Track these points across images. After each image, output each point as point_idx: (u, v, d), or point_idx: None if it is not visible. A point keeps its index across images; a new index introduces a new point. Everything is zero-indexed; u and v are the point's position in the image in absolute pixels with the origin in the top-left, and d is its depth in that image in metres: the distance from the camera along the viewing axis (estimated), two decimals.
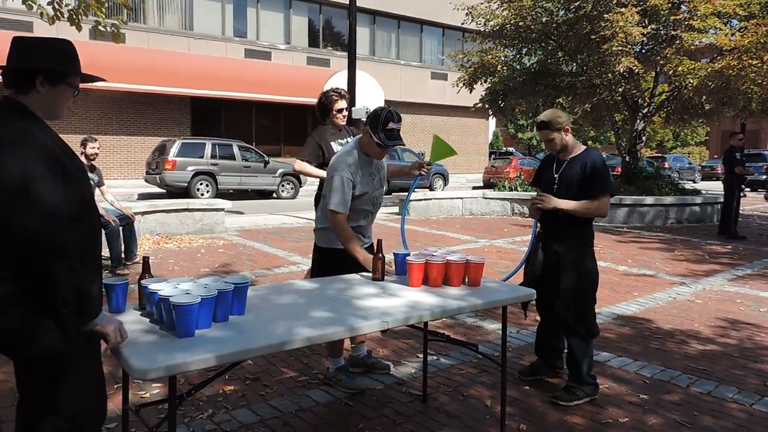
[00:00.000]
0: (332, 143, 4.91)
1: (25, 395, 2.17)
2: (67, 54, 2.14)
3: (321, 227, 3.81)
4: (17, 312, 1.96)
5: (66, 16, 7.06)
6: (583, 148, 3.92)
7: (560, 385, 3.95)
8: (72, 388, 2.10)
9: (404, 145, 3.93)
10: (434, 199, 13.93)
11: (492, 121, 35.40)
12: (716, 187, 18.16)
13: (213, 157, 17.50)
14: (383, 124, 3.52)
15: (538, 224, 4.06)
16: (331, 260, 3.73)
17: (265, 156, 18.93)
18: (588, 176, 3.74)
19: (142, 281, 2.52)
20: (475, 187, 22.63)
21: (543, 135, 3.88)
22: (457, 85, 16.42)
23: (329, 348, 3.92)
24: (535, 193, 3.95)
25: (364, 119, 4.05)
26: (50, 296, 1.93)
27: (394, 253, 3.52)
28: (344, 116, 4.89)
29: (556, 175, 3.91)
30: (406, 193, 4.86)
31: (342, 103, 4.81)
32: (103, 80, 2.31)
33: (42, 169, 1.91)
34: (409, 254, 3.35)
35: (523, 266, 4.18)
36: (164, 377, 2.05)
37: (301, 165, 5.06)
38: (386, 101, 25.15)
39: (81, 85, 2.24)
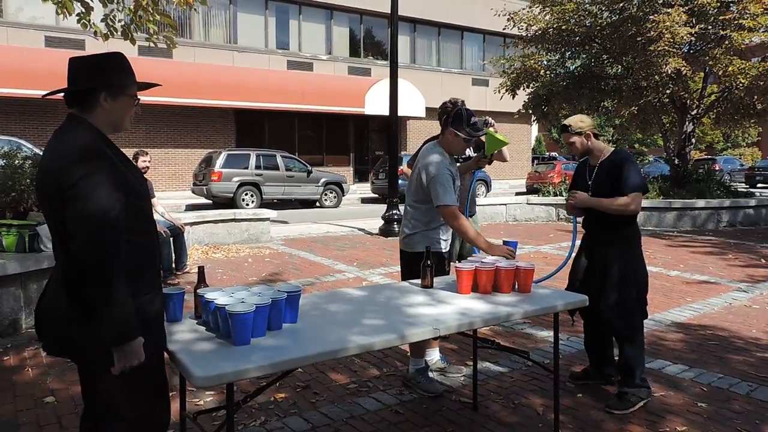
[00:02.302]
0: None
1: (90, 402, 2.22)
2: (122, 66, 2.21)
3: (409, 233, 3.95)
4: (81, 320, 2.02)
5: (119, 32, 7.25)
6: (611, 150, 3.94)
7: (614, 392, 3.87)
8: (136, 394, 2.14)
9: (482, 136, 4.03)
10: (477, 205, 13.78)
11: (534, 126, 35.03)
12: None
13: (257, 167, 17.79)
14: (467, 120, 3.83)
15: (578, 221, 4.06)
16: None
17: (308, 165, 19.13)
18: (616, 175, 3.77)
19: (198, 290, 2.57)
20: (518, 193, 22.40)
21: (564, 138, 4.03)
22: (499, 91, 16.30)
23: (412, 348, 4.05)
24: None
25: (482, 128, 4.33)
26: (96, 311, 1.97)
27: (504, 241, 3.67)
28: None
29: (590, 182, 3.94)
30: None
31: None
32: (158, 85, 2.39)
33: (107, 184, 1.98)
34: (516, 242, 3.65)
35: (569, 271, 4.12)
36: (221, 384, 2.09)
37: (405, 167, 5.42)
38: (427, 108, 25.16)
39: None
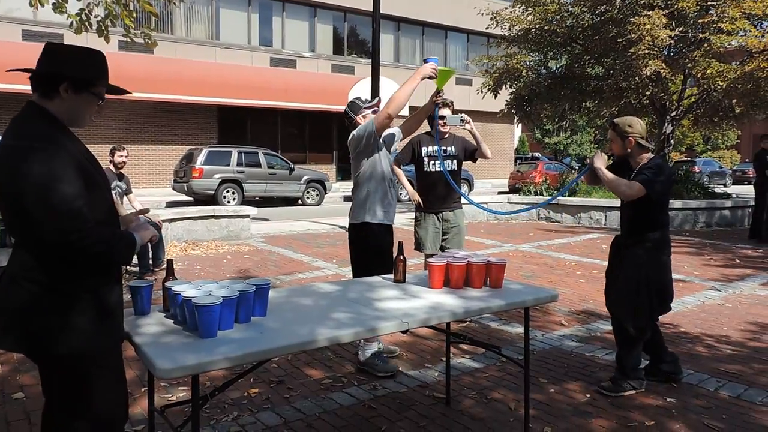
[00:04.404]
0: (426, 147, 5.47)
1: (51, 399, 2.19)
2: (94, 63, 2.15)
3: (353, 209, 4.30)
4: (44, 313, 2.00)
5: (94, 27, 7.16)
6: (650, 156, 3.88)
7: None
8: (96, 389, 2.12)
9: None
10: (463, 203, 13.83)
11: (518, 127, 35.22)
12: (748, 191, 17.83)
13: (239, 164, 17.71)
14: (362, 101, 4.40)
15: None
16: (363, 235, 4.16)
17: (291, 163, 19.09)
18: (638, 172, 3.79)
19: (166, 283, 2.55)
20: (500, 192, 22.52)
21: (609, 134, 3.99)
22: (482, 91, 16.37)
23: None
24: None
25: (459, 125, 4.83)
26: (92, 273, 2.05)
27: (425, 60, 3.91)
28: (444, 123, 5.17)
29: None
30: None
31: (443, 111, 5.08)
32: (128, 93, 2.33)
33: (68, 174, 1.94)
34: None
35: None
36: (188, 378, 2.08)
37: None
38: (410, 107, 25.17)
39: (109, 96, 2.26)
